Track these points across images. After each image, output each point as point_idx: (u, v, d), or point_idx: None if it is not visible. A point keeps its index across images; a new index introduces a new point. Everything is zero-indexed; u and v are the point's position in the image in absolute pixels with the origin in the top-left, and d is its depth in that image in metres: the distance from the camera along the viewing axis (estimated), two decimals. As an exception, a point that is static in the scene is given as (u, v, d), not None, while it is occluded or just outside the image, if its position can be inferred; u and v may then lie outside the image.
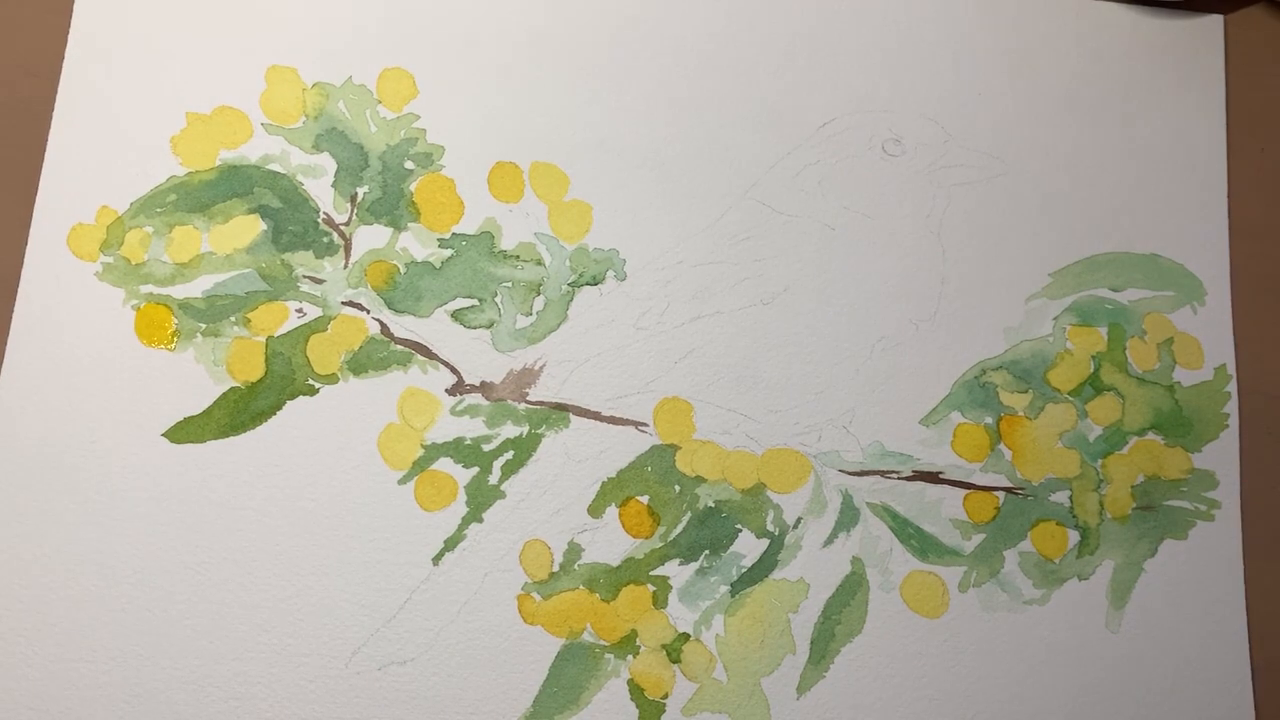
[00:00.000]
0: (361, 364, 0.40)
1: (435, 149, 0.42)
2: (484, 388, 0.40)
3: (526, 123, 0.43)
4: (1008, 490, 0.41)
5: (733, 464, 0.41)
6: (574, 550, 0.39)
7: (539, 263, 0.41)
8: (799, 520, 0.40)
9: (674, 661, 0.39)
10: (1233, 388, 0.43)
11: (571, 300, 0.41)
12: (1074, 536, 0.41)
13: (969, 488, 0.41)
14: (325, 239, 0.41)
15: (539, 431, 0.40)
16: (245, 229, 0.41)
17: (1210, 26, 0.47)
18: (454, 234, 0.41)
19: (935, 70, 0.45)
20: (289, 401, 0.39)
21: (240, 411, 0.39)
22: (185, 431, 0.39)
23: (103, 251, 0.40)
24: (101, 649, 0.37)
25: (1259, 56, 0.47)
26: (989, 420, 0.42)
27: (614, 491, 0.40)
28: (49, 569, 0.37)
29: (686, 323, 0.41)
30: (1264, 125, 0.46)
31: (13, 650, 0.37)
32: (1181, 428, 0.42)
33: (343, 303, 0.40)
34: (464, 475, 0.39)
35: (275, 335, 0.40)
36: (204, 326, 0.40)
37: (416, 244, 0.41)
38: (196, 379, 0.39)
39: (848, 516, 0.40)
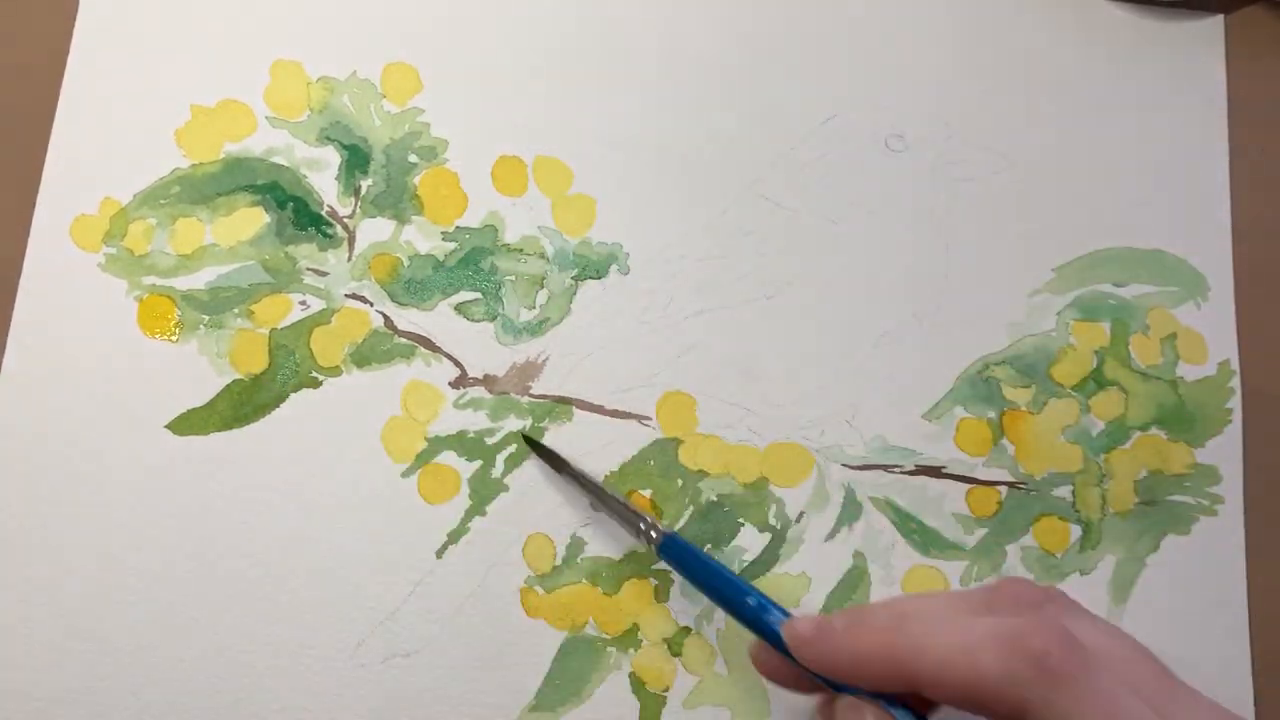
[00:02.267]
0: (365, 356, 0.40)
1: (439, 143, 0.42)
2: (487, 381, 0.40)
3: (530, 117, 0.43)
4: (1010, 485, 0.41)
5: (735, 458, 0.41)
6: (576, 544, 0.39)
7: (542, 256, 0.42)
8: (801, 514, 0.40)
9: (675, 655, 0.39)
10: (1236, 383, 0.43)
11: (575, 294, 0.41)
12: (1076, 531, 0.41)
13: (971, 482, 0.41)
14: (329, 232, 0.41)
15: (542, 425, 0.40)
16: (249, 221, 0.41)
17: (1210, 26, 0.47)
18: (457, 227, 0.41)
19: (938, 67, 0.45)
20: (292, 394, 0.39)
21: (243, 403, 0.39)
22: (188, 423, 0.39)
23: (105, 243, 0.40)
24: (105, 641, 0.37)
25: (1259, 56, 0.47)
26: (992, 415, 0.42)
27: (617, 485, 0.40)
28: (51, 561, 0.37)
29: (690, 317, 0.42)
30: (1264, 125, 0.47)
31: (17, 642, 0.37)
32: (1185, 423, 0.43)
33: (346, 295, 0.40)
34: (467, 468, 0.39)
35: (278, 327, 0.40)
36: (207, 318, 0.40)
37: (420, 237, 0.41)
38: (199, 371, 0.39)
39: (850, 511, 0.41)
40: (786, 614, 0.33)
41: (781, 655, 0.32)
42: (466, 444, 0.40)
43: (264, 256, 0.40)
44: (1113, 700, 0.26)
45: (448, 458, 0.40)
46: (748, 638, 0.35)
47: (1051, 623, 0.27)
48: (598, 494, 0.38)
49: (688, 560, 0.36)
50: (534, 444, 0.40)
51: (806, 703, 0.39)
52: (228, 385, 0.39)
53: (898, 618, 0.29)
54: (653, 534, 0.36)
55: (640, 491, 0.40)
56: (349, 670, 0.38)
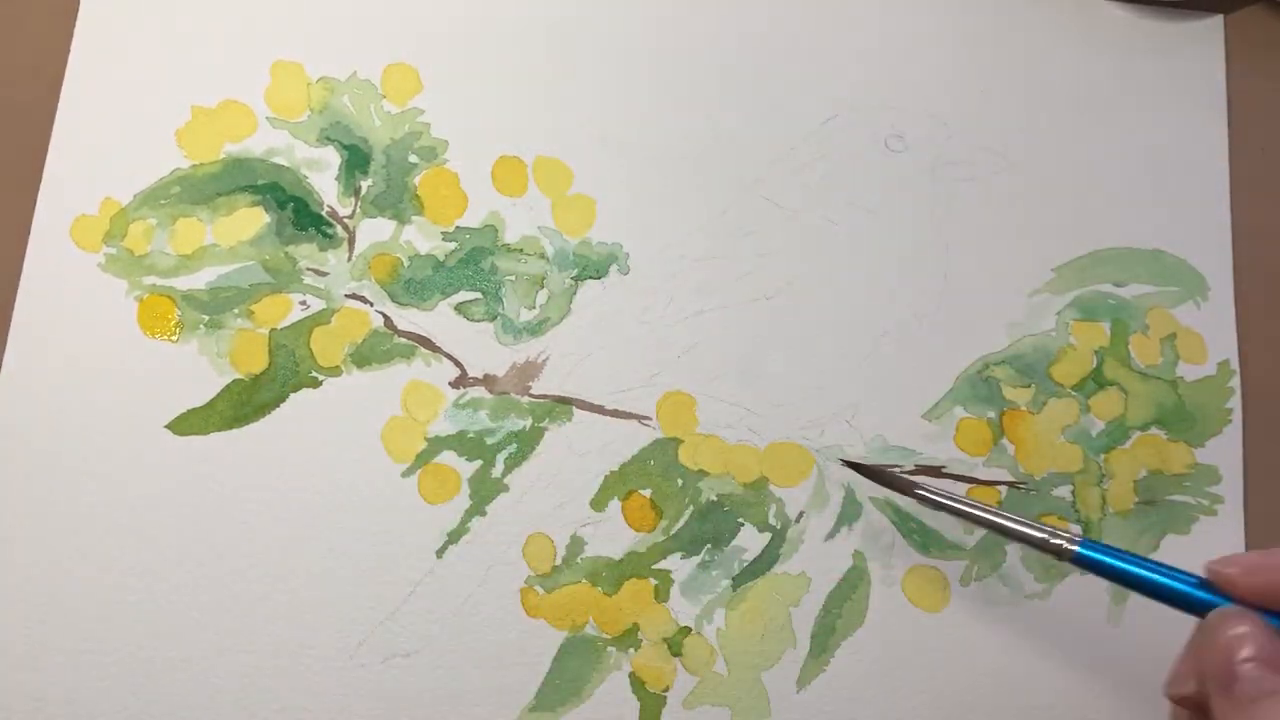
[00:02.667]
0: (365, 356, 0.40)
1: (439, 143, 0.42)
2: (487, 381, 0.40)
3: (530, 117, 0.43)
4: (1010, 484, 0.41)
5: (735, 458, 0.41)
6: (576, 544, 0.39)
7: (542, 256, 0.42)
8: (801, 514, 0.40)
9: (675, 655, 0.39)
10: (1236, 383, 0.43)
11: (575, 294, 0.41)
12: (1076, 531, 0.41)
13: (971, 482, 0.41)
14: (329, 232, 0.41)
15: (542, 425, 0.40)
16: (249, 221, 0.41)
17: (1210, 26, 0.47)
18: (458, 227, 0.41)
19: (937, 67, 0.45)
20: (292, 394, 0.39)
21: (243, 404, 0.39)
22: (188, 423, 0.39)
23: (106, 243, 0.40)
24: (105, 641, 0.37)
25: (1259, 56, 0.47)
26: (991, 415, 0.42)
27: (617, 485, 0.40)
28: (51, 561, 0.37)
29: (689, 317, 0.42)
30: (1264, 125, 0.47)
31: (17, 642, 0.37)
32: (1184, 423, 0.43)
33: (346, 295, 0.40)
34: (467, 468, 0.40)
35: (278, 328, 0.40)
36: (207, 318, 0.40)
37: (420, 237, 0.41)
38: (199, 371, 0.39)
39: (850, 510, 0.41)
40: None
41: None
42: (466, 444, 0.40)
43: (264, 256, 0.40)
44: None
45: (448, 457, 0.40)
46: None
47: None
48: (984, 521, 0.35)
49: (1108, 562, 0.33)
50: (861, 468, 0.39)
51: (807, 703, 0.39)
52: (228, 385, 0.39)
53: None
54: (1064, 545, 0.33)
55: (640, 491, 0.40)
56: (349, 670, 0.38)
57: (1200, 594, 0.31)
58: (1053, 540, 0.33)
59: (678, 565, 0.40)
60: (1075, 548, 0.33)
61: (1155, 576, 0.32)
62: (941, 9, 0.46)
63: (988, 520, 0.35)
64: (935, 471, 0.41)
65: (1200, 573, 0.31)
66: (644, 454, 0.40)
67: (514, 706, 0.38)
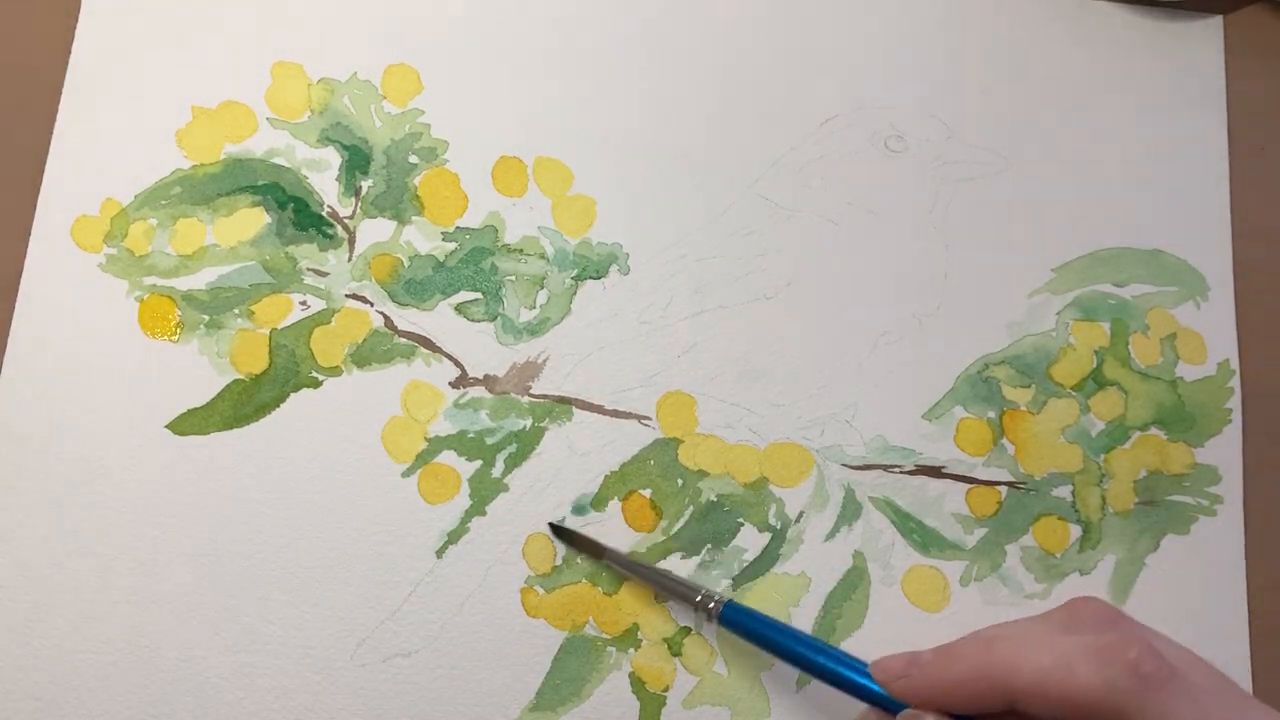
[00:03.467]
0: (365, 357, 0.40)
1: (439, 143, 0.42)
2: (487, 381, 0.40)
3: (531, 118, 0.43)
4: (1010, 485, 0.41)
5: (735, 458, 0.41)
6: (577, 544, 0.39)
7: (542, 256, 0.42)
8: (801, 514, 0.40)
9: (675, 655, 0.39)
10: (1236, 383, 0.43)
11: (575, 294, 0.41)
12: (1076, 531, 0.41)
13: (971, 482, 0.41)
14: (329, 232, 0.41)
15: (542, 425, 0.40)
16: (249, 222, 0.41)
17: (1210, 26, 0.47)
18: (458, 228, 0.41)
19: (937, 67, 0.45)
20: (292, 394, 0.39)
21: (244, 404, 0.39)
22: (188, 423, 0.39)
23: (106, 243, 0.40)
24: (105, 641, 0.37)
25: (1259, 56, 0.47)
26: (991, 415, 0.42)
27: (617, 485, 0.40)
28: (52, 560, 0.37)
29: (689, 317, 0.42)
30: (1264, 125, 0.47)
31: (16, 642, 0.37)
32: (1184, 423, 0.43)
33: (346, 295, 0.40)
34: (467, 468, 0.40)
35: (279, 328, 0.40)
36: (207, 318, 0.40)
37: (420, 237, 0.41)
38: (200, 371, 0.39)
39: (850, 510, 0.41)
40: (862, 663, 0.33)
41: (873, 707, 0.33)
42: (467, 444, 0.40)
43: (264, 257, 0.40)
44: (1201, 704, 0.28)
45: (448, 457, 0.40)
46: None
47: (1137, 636, 0.29)
48: (643, 574, 0.38)
49: (751, 625, 0.36)
50: (564, 533, 0.39)
51: (807, 703, 0.39)
52: (228, 385, 0.39)
53: (985, 641, 0.31)
54: (710, 604, 0.36)
55: (640, 491, 0.40)
56: (350, 669, 0.38)
57: (846, 677, 0.33)
58: (700, 599, 0.36)
59: (678, 565, 0.40)
60: (721, 607, 0.36)
61: (797, 653, 0.34)
62: (942, 9, 0.46)
63: (652, 573, 0.38)
64: (935, 471, 0.41)
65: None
66: (644, 454, 0.40)
67: (514, 706, 0.38)
